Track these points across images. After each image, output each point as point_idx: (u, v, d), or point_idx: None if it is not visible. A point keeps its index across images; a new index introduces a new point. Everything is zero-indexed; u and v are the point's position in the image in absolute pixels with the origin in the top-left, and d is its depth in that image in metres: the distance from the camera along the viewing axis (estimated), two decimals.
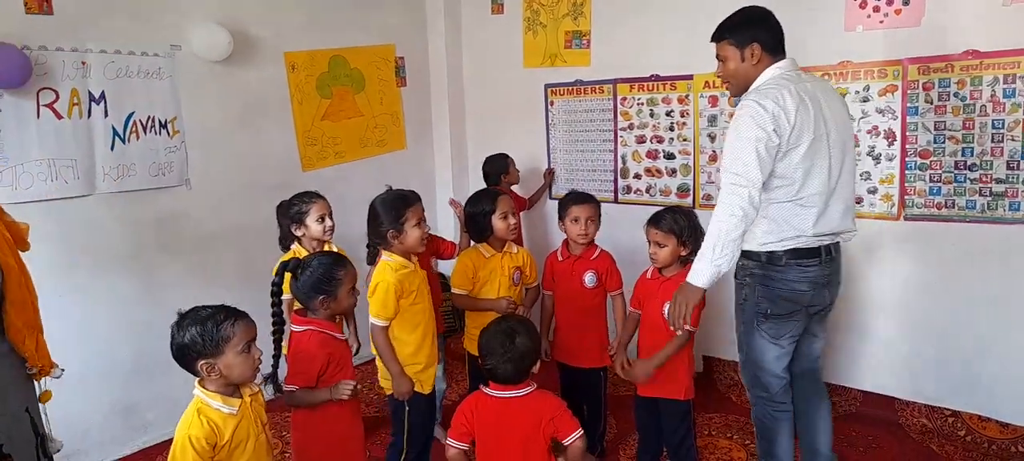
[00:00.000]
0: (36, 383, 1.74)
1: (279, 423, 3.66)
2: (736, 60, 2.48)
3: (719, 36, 2.53)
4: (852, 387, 3.62)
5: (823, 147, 2.34)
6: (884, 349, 3.50)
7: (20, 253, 1.77)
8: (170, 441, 3.40)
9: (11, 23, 2.90)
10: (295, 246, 3.03)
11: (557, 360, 3.14)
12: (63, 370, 1.91)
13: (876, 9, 3.25)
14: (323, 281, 2.30)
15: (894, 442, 3.30)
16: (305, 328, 2.32)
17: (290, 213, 2.99)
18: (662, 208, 2.81)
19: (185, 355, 1.88)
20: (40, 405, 1.71)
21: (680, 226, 2.66)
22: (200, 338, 1.86)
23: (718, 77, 2.60)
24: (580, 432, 2.11)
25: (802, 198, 2.35)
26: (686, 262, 2.60)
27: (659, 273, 2.73)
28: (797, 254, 2.39)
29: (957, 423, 3.33)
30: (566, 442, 2.11)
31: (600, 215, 3.06)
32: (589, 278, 2.99)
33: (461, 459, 2.18)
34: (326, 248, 3.04)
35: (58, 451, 1.69)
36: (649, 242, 2.72)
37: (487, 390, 2.17)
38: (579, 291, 3.01)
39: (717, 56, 2.55)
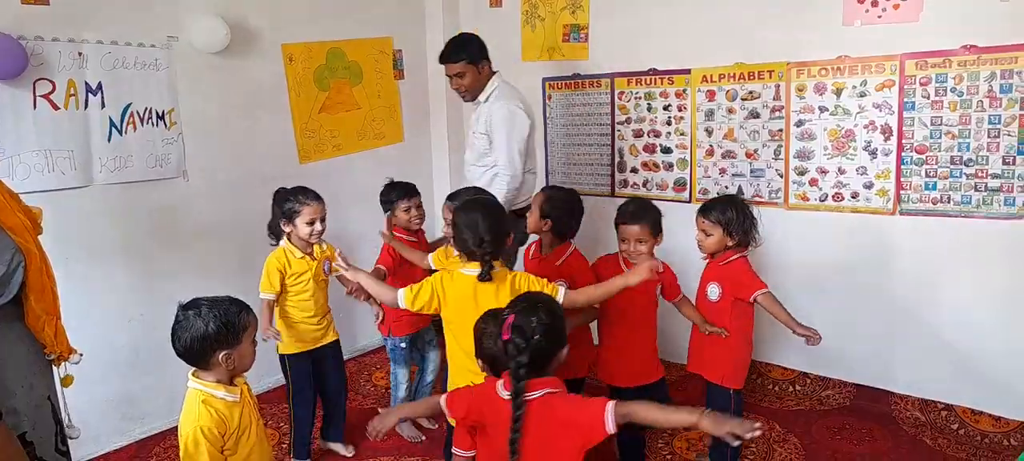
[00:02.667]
0: (55, 369, 1.74)
1: (277, 414, 3.67)
2: (473, 74, 3.43)
3: (457, 58, 3.41)
4: (846, 380, 3.64)
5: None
6: (878, 342, 3.52)
7: (37, 239, 1.78)
8: (167, 432, 3.47)
9: (7, 13, 2.89)
10: (284, 242, 3.00)
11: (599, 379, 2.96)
12: (82, 355, 1.91)
13: (874, 4, 3.25)
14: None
15: (887, 435, 3.32)
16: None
17: (284, 208, 2.96)
18: (713, 198, 2.92)
19: (206, 345, 1.89)
20: (60, 392, 1.72)
21: (727, 218, 2.74)
22: (225, 328, 1.90)
23: (455, 89, 3.53)
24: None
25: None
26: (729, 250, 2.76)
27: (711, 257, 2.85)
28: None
29: (950, 416, 3.36)
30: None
31: (656, 232, 2.73)
32: (715, 291, 2.75)
33: None
34: (315, 249, 3.03)
35: (76, 438, 1.70)
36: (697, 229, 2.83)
37: (499, 390, 1.97)
38: (630, 304, 2.72)
39: (454, 73, 3.43)
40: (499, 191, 3.31)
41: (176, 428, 3.46)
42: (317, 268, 3.03)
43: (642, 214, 2.70)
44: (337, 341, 3.20)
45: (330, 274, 3.07)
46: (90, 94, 3.16)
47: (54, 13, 3.03)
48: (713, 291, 2.78)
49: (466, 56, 3.42)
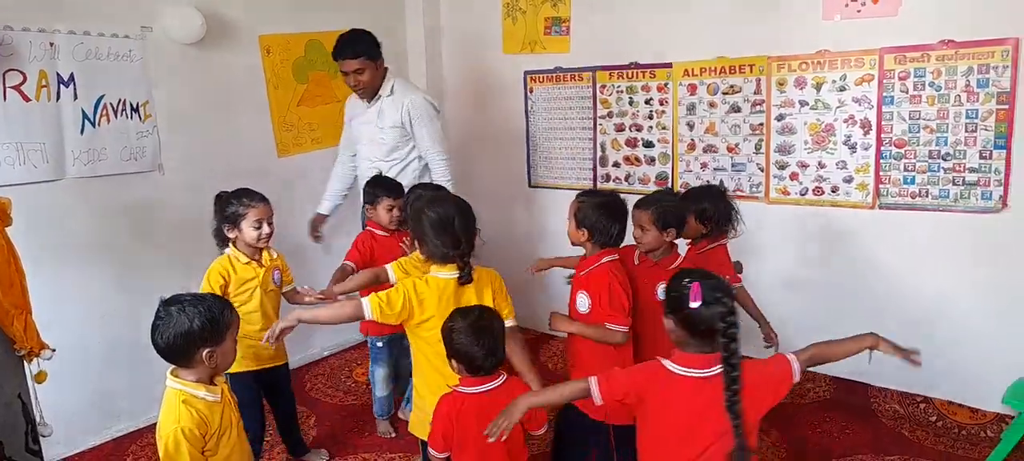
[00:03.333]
0: (28, 365, 1.69)
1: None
2: (371, 71, 3.40)
3: (355, 54, 3.34)
4: (824, 373, 3.67)
5: None
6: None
7: (5, 230, 1.72)
8: (144, 430, 3.41)
9: None
10: (230, 248, 2.76)
11: None
12: (54, 350, 1.86)
13: None
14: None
15: (866, 428, 3.35)
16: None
17: (226, 212, 2.73)
18: (652, 193, 2.75)
19: (190, 341, 1.85)
20: (33, 389, 1.67)
21: (701, 208, 2.76)
22: (210, 324, 1.87)
23: (353, 86, 3.46)
24: (546, 426, 2.08)
25: None
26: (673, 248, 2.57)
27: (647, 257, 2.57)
28: None
29: (928, 409, 3.39)
30: (538, 433, 2.07)
31: (658, 218, 2.48)
32: (660, 291, 2.17)
33: None
34: (264, 255, 2.80)
35: (48, 436, 1.65)
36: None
37: (462, 388, 2.04)
38: (650, 303, 2.45)
39: (353, 70, 3.36)
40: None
41: (153, 426, 3.43)
42: (265, 276, 2.77)
43: (647, 202, 2.53)
44: (287, 364, 3.02)
45: (280, 286, 2.86)
46: (62, 85, 3.09)
47: (24, 2, 2.95)
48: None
49: (364, 52, 3.35)
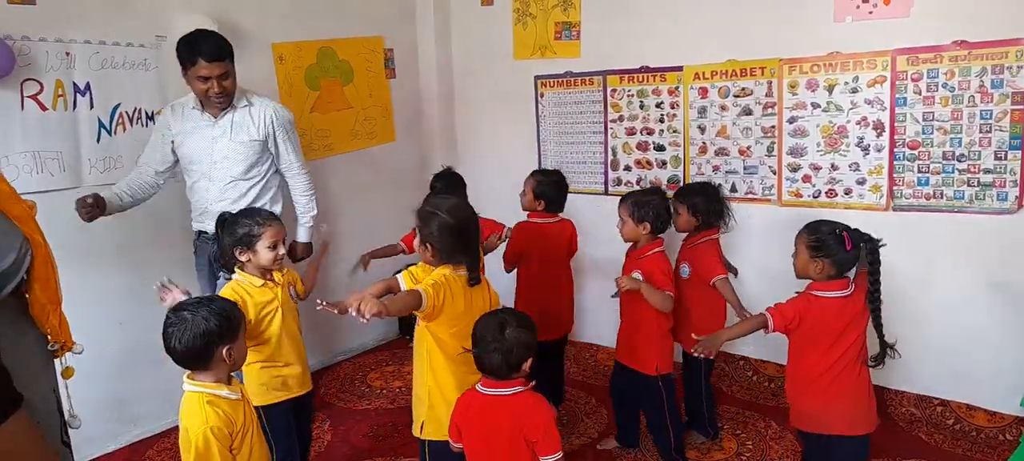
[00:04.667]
0: (57, 361, 1.73)
1: None
2: (234, 76, 2.98)
3: (226, 55, 2.93)
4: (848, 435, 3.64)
5: None
6: (871, 339, 3.51)
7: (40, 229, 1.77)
8: (161, 435, 3.43)
9: None
10: (237, 274, 2.53)
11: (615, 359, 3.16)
12: (83, 348, 1.89)
13: (865, 0, 3.25)
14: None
15: (883, 431, 3.30)
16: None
17: (237, 234, 2.51)
18: (636, 190, 3.13)
19: (209, 341, 1.88)
20: (61, 383, 1.71)
21: (693, 203, 3.06)
22: (226, 322, 1.91)
23: (218, 92, 2.92)
24: (559, 455, 2.02)
25: None
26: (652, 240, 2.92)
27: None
28: None
29: (945, 412, 3.36)
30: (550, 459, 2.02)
31: (630, 215, 2.89)
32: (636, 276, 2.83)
33: (462, 454, 2.14)
34: (276, 277, 2.59)
35: (77, 428, 1.68)
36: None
37: (478, 387, 2.11)
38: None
39: (222, 73, 2.90)
40: (309, 193, 3.26)
41: (168, 431, 3.45)
42: (284, 294, 2.59)
43: (626, 198, 2.95)
44: (312, 393, 2.82)
45: (297, 300, 2.69)
46: (78, 94, 3.12)
47: (41, 13, 2.99)
48: (684, 270, 3.10)
49: (231, 54, 2.95)
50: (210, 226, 2.86)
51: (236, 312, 1.99)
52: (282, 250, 2.55)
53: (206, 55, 2.84)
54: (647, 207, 2.87)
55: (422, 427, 2.37)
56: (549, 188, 3.40)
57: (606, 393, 3.40)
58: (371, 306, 2.01)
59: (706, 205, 3.06)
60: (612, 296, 2.93)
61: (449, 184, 3.54)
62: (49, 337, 1.54)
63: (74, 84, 3.11)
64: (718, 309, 3.12)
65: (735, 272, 3.30)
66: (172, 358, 1.95)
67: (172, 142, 3.07)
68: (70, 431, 1.66)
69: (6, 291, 1.37)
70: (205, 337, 1.87)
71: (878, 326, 2.43)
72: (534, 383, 2.12)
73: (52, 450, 1.37)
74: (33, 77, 2.98)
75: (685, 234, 3.16)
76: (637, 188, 3.99)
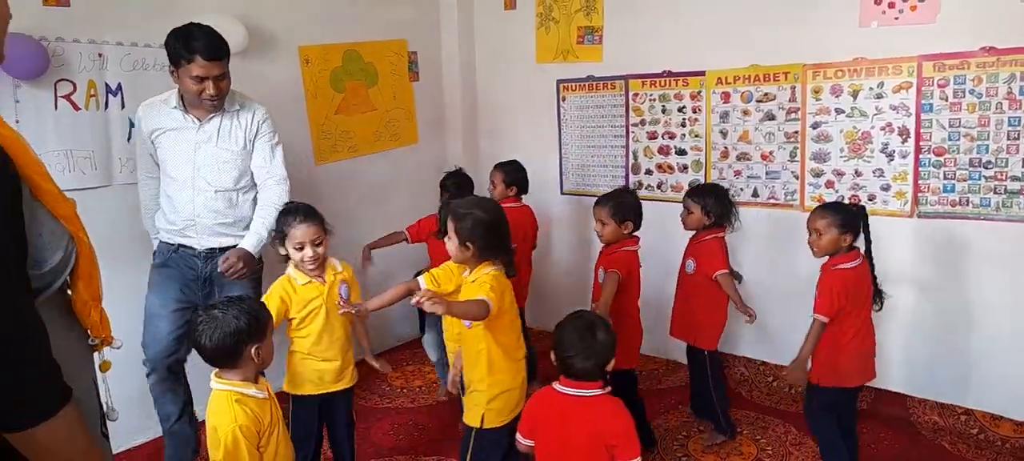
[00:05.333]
0: (96, 355, 1.79)
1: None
2: (229, 78, 2.77)
3: (226, 54, 2.72)
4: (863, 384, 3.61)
5: None
6: (896, 346, 3.49)
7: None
8: None
9: (29, 15, 2.92)
10: (290, 268, 2.57)
11: None
12: (122, 342, 1.95)
13: (891, 5, 3.23)
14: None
15: (905, 440, 3.29)
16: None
17: (277, 228, 2.58)
18: (610, 191, 3.23)
19: (239, 340, 1.92)
20: (99, 376, 1.76)
21: (704, 202, 3.18)
22: (256, 321, 1.95)
23: (212, 94, 2.68)
24: (638, 460, 2.01)
25: None
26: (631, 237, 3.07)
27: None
28: None
29: (970, 421, 3.32)
30: None
31: (611, 216, 3.01)
32: (601, 274, 3.04)
33: (529, 452, 2.15)
34: (327, 271, 2.59)
35: (115, 420, 1.73)
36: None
37: (556, 386, 2.09)
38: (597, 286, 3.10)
39: (220, 73, 2.69)
40: (276, 201, 2.88)
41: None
42: (331, 293, 2.55)
43: (605, 200, 3.08)
44: (352, 388, 2.76)
45: (348, 303, 2.59)
46: (110, 95, 3.19)
47: (75, 14, 3.06)
48: (690, 265, 3.22)
49: (229, 54, 2.76)
50: (201, 240, 2.80)
51: (265, 312, 2.02)
52: (310, 252, 2.48)
53: (205, 52, 2.61)
54: (627, 207, 3.03)
55: (483, 418, 2.40)
56: (519, 173, 3.77)
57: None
58: (437, 307, 2.11)
59: (718, 206, 3.16)
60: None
61: (459, 184, 3.70)
62: (90, 332, 1.59)
63: (106, 84, 3.17)
64: (721, 304, 3.18)
65: (740, 278, 3.29)
66: (201, 356, 1.98)
67: (152, 141, 2.82)
68: (108, 424, 1.70)
69: (54, 287, 1.41)
70: (235, 336, 1.91)
71: (874, 278, 2.81)
72: (611, 387, 2.10)
73: (97, 441, 1.42)
74: (66, 77, 3.05)
75: (693, 232, 3.26)
76: (659, 191, 3.99)
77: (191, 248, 2.82)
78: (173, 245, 2.85)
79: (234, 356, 1.93)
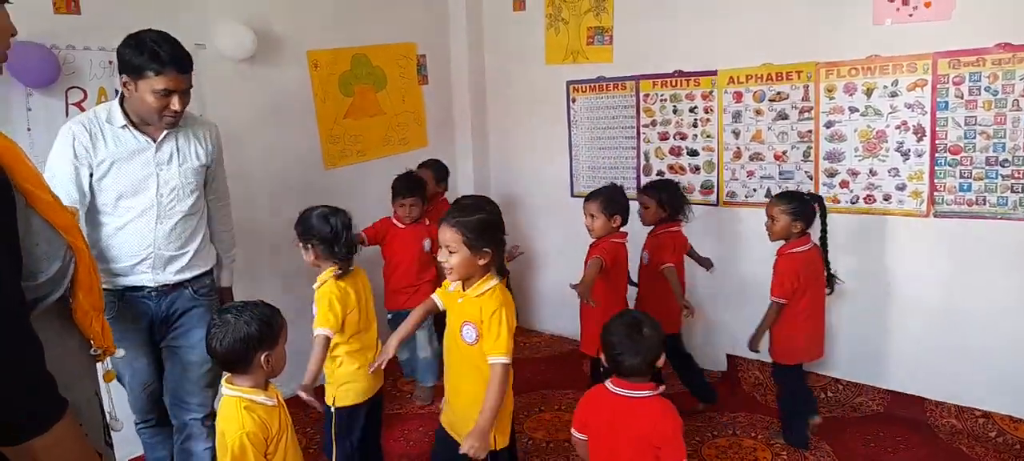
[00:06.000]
0: (99, 365, 1.78)
1: (302, 419, 3.69)
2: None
3: (191, 66, 2.40)
4: (879, 386, 3.57)
5: None
6: (912, 348, 3.45)
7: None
8: None
9: (40, 23, 2.93)
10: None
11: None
12: (124, 352, 1.93)
13: (906, 2, 3.19)
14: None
15: (922, 443, 3.25)
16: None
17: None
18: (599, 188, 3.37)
19: (248, 346, 1.91)
20: (103, 386, 1.76)
21: (659, 197, 3.40)
22: (267, 328, 1.93)
23: (173, 110, 2.36)
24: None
25: None
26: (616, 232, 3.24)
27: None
28: None
29: (988, 424, 3.27)
30: None
31: (600, 210, 3.21)
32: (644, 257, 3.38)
33: (583, 448, 2.17)
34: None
35: (119, 430, 1.73)
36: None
37: (608, 385, 2.11)
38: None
39: (187, 87, 2.39)
40: (232, 226, 2.82)
41: None
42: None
43: (595, 195, 3.26)
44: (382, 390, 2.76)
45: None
46: None
47: (85, 22, 3.07)
48: (644, 256, 3.43)
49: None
50: (157, 276, 2.45)
51: (277, 319, 2.00)
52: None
53: (178, 64, 2.32)
54: (616, 203, 3.22)
55: (496, 440, 2.27)
56: (443, 169, 4.08)
57: None
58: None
59: (671, 200, 3.40)
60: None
61: (410, 186, 3.69)
62: (92, 342, 1.58)
63: (117, 91, 3.17)
64: (670, 293, 3.33)
65: (710, 265, 3.65)
66: (213, 359, 1.98)
67: (91, 174, 2.36)
68: (112, 433, 1.70)
69: (52, 298, 1.40)
70: (245, 342, 1.90)
71: (827, 263, 3.12)
72: (663, 387, 2.12)
73: (97, 451, 1.42)
74: (77, 85, 3.05)
75: (651, 226, 3.46)
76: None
77: (141, 288, 2.45)
78: (117, 291, 2.42)
79: (244, 362, 1.92)
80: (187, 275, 2.53)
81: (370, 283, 2.75)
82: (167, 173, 2.46)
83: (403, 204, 3.64)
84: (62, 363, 1.25)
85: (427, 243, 3.69)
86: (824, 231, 3.12)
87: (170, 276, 2.49)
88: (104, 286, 2.29)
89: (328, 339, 2.49)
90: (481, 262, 2.16)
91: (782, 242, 3.10)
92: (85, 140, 2.34)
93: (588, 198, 3.29)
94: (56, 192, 2.13)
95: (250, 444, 1.84)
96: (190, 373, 2.52)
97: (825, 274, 3.13)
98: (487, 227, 2.17)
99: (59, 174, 2.32)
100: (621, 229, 3.26)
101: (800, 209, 3.04)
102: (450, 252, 2.15)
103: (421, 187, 3.75)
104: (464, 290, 2.23)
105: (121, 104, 2.40)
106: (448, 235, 2.14)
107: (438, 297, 2.43)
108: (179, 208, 2.49)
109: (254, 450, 1.85)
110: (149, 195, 2.43)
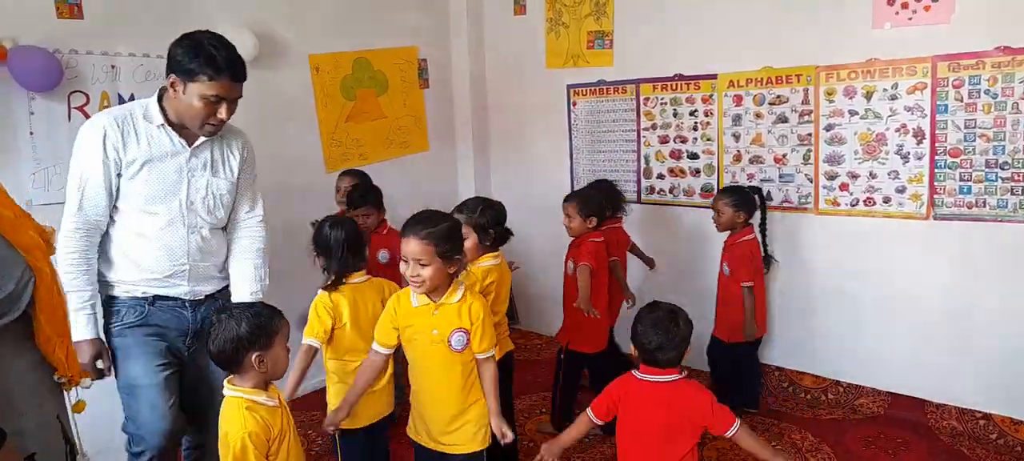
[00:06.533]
0: (66, 394, 1.72)
1: (305, 421, 3.69)
2: None
3: (244, 77, 2.26)
4: (880, 389, 3.57)
5: None
6: (912, 350, 3.45)
7: (49, 259, 1.75)
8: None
9: (43, 27, 2.95)
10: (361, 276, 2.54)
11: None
12: (93, 380, 1.86)
13: (905, 6, 3.20)
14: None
15: (923, 445, 3.25)
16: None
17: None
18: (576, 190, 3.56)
19: (239, 346, 1.90)
20: (71, 417, 1.70)
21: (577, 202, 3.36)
22: (257, 329, 1.91)
23: (219, 119, 2.23)
24: (738, 423, 2.10)
25: None
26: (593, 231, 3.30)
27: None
28: None
29: (989, 426, 3.28)
30: (729, 434, 2.10)
31: (577, 211, 3.28)
32: (569, 266, 3.34)
33: (586, 428, 2.24)
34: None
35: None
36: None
37: (638, 374, 2.16)
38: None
39: (238, 96, 2.25)
40: (265, 242, 2.57)
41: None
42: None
43: (570, 196, 3.40)
44: (394, 413, 2.66)
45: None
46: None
47: (88, 27, 3.08)
48: (569, 266, 3.38)
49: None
50: (194, 288, 2.32)
51: (275, 322, 1.97)
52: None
53: (233, 73, 2.20)
54: (593, 203, 3.30)
55: (482, 438, 2.30)
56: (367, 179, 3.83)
57: None
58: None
59: (611, 197, 3.55)
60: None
61: (364, 196, 3.48)
62: (56, 370, 1.53)
63: (119, 95, 3.19)
64: (599, 296, 3.30)
65: (652, 264, 3.86)
66: (210, 358, 1.98)
67: (119, 174, 2.20)
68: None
69: (6, 319, 1.36)
70: (234, 342, 1.90)
71: (765, 245, 3.48)
72: (688, 371, 2.18)
73: None
74: (80, 89, 3.07)
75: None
76: (671, 196, 3.98)
77: (176, 298, 2.30)
78: (147, 298, 2.27)
79: (235, 363, 1.92)
80: (219, 287, 2.43)
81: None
82: (200, 181, 2.31)
83: (356, 215, 3.36)
84: (15, 388, 1.20)
85: (383, 255, 3.46)
86: (763, 219, 3.47)
87: (207, 288, 2.37)
88: (124, 292, 2.27)
89: (312, 349, 2.44)
90: (451, 270, 2.15)
91: (729, 233, 3.41)
92: (115, 137, 2.18)
93: (566, 199, 3.37)
94: (87, 194, 2.16)
95: (251, 444, 1.84)
96: (219, 394, 2.24)
97: (763, 257, 3.47)
98: (456, 233, 2.19)
99: (91, 176, 2.17)
100: (598, 228, 3.31)
101: (742, 201, 3.37)
102: (422, 265, 2.08)
103: (376, 195, 3.55)
104: (435, 300, 2.18)
105: (160, 101, 2.26)
106: (417, 248, 2.08)
107: (388, 326, 2.27)
108: (211, 219, 2.35)
109: (255, 450, 1.85)
110: (178, 202, 2.27)
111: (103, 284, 2.27)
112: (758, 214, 3.50)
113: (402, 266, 2.15)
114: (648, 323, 2.13)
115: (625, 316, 3.61)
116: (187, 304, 2.32)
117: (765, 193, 3.71)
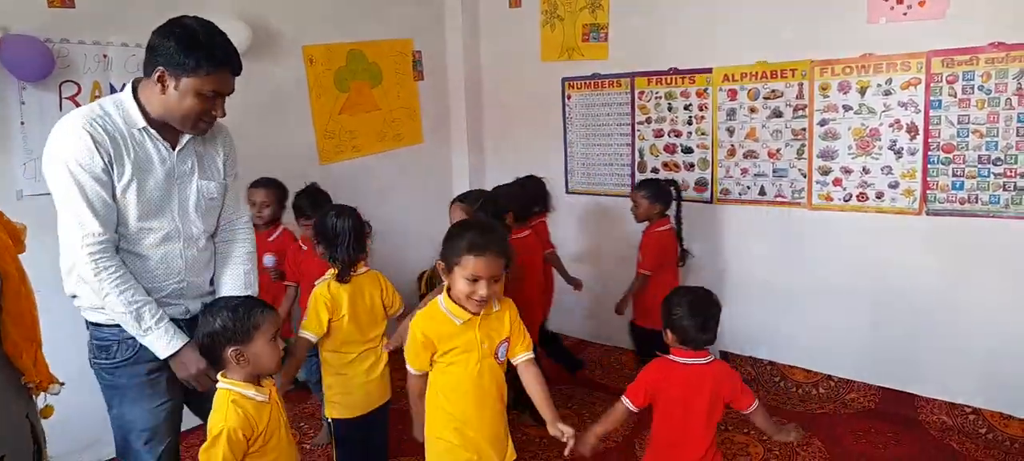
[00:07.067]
0: (35, 398, 1.68)
1: (299, 414, 3.69)
2: None
3: (241, 69, 2.02)
4: (870, 383, 3.59)
5: None
6: (903, 345, 3.46)
7: (18, 258, 1.64)
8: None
9: (34, 16, 2.93)
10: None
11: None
12: (63, 385, 1.73)
13: (900, 1, 3.21)
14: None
15: (913, 439, 3.27)
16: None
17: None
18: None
19: (214, 342, 1.89)
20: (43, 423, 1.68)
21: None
22: (232, 324, 1.88)
23: (211, 116, 2.00)
24: (758, 402, 2.21)
25: None
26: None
27: None
28: None
29: (978, 420, 3.30)
30: (748, 412, 2.21)
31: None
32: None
33: (629, 420, 2.27)
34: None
35: None
36: None
37: (674, 358, 2.20)
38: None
39: (231, 90, 2.02)
40: (253, 247, 2.29)
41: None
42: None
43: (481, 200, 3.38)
44: (389, 401, 2.67)
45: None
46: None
47: (80, 15, 3.06)
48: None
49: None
50: (190, 306, 2.08)
51: (254, 317, 1.88)
52: (484, 291, 1.97)
53: (231, 65, 1.98)
54: (510, 198, 3.34)
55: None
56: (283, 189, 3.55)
57: None
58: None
59: (536, 192, 3.65)
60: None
61: (314, 202, 3.26)
62: (23, 376, 1.49)
63: (111, 85, 3.17)
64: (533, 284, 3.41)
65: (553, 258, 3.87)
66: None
67: (113, 181, 1.90)
68: None
69: None
70: (211, 337, 1.89)
71: (681, 239, 3.56)
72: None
73: None
74: (71, 79, 3.05)
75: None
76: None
77: (172, 320, 1.99)
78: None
79: (215, 357, 1.91)
80: (210, 300, 2.13)
81: (392, 290, 2.64)
82: (190, 186, 2.06)
83: (308, 225, 3.10)
84: None
85: (268, 258, 3.35)
86: (679, 211, 3.56)
87: (198, 305, 2.10)
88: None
89: (308, 342, 2.45)
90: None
91: (647, 223, 3.51)
92: (107, 145, 1.87)
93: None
94: (97, 207, 1.81)
95: (225, 441, 1.82)
96: None
97: (679, 250, 3.55)
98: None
99: (88, 196, 1.85)
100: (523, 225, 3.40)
101: (657, 193, 3.48)
102: (496, 280, 1.95)
103: (328, 199, 3.32)
104: (477, 313, 2.02)
105: (135, 99, 1.96)
106: (497, 266, 1.94)
107: (423, 354, 2.07)
108: (206, 227, 2.12)
109: (227, 449, 1.81)
110: (170, 214, 2.02)
111: (90, 311, 2.00)
112: (675, 206, 3.59)
113: (467, 286, 1.92)
114: (687, 307, 2.17)
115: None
116: (183, 324, 2.03)
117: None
